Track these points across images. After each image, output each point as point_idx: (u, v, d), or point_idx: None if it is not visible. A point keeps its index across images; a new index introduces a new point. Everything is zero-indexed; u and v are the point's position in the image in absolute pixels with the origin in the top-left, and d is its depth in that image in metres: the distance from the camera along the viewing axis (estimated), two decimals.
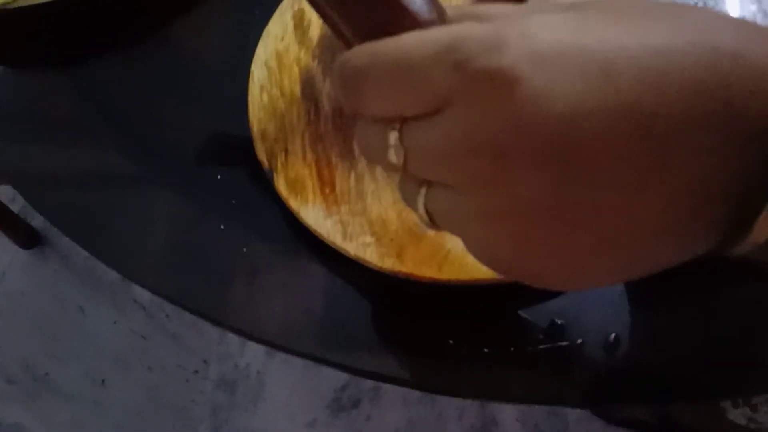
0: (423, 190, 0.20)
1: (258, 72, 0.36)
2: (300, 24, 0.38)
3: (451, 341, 0.32)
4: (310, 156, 0.34)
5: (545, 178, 0.17)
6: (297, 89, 0.36)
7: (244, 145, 0.35)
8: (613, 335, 0.31)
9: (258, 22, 0.38)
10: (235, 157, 0.37)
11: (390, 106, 0.19)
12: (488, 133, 0.17)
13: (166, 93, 0.39)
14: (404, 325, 0.32)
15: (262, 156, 0.34)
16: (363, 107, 0.20)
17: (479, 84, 0.16)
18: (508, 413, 0.94)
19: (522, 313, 0.32)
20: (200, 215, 0.35)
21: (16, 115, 0.40)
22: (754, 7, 0.41)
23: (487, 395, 0.34)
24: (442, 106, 0.17)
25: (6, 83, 0.41)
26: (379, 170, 0.34)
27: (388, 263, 0.31)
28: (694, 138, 0.16)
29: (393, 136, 0.19)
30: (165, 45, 0.41)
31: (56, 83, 0.40)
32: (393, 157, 0.19)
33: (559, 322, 0.32)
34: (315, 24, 0.38)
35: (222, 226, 0.35)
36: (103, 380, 0.99)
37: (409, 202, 0.21)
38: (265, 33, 0.37)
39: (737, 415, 0.63)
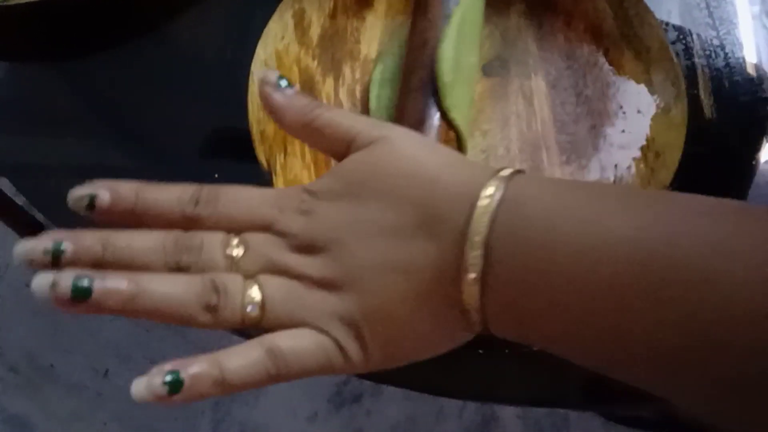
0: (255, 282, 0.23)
1: (258, 74, 0.36)
2: (300, 23, 0.38)
3: None
4: (309, 157, 0.34)
5: None
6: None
7: (243, 145, 0.35)
8: None
9: (258, 21, 0.38)
10: (234, 157, 0.36)
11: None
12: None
13: (165, 91, 0.39)
14: None
15: (261, 157, 0.34)
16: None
17: None
18: (508, 409, 0.94)
19: None
20: None
21: (13, 110, 0.40)
22: (756, 9, 0.41)
23: (485, 397, 0.34)
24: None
25: (2, 78, 0.41)
26: None
27: None
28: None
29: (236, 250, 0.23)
30: (164, 42, 0.41)
31: (54, 79, 0.40)
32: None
33: None
34: (315, 23, 0.38)
35: None
36: (106, 371, 0.99)
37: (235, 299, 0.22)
38: (265, 32, 0.37)
39: None
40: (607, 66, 0.37)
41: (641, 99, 0.36)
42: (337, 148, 0.24)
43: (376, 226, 0.22)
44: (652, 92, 0.36)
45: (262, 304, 0.22)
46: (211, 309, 0.22)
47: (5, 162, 0.39)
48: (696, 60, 0.40)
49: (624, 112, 0.36)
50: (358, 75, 0.37)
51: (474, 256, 0.20)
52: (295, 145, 0.34)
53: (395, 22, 0.38)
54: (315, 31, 0.38)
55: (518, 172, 0.22)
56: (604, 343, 0.19)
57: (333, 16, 0.38)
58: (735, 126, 0.39)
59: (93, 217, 0.23)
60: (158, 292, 0.21)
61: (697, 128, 0.35)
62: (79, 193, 0.23)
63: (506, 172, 0.21)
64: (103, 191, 0.23)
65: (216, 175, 0.36)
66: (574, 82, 0.37)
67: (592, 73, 0.37)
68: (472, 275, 0.20)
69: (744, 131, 0.39)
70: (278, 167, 0.34)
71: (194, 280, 0.22)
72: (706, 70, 0.39)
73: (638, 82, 0.36)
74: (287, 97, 0.25)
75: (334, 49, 0.37)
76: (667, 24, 0.40)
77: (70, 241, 0.21)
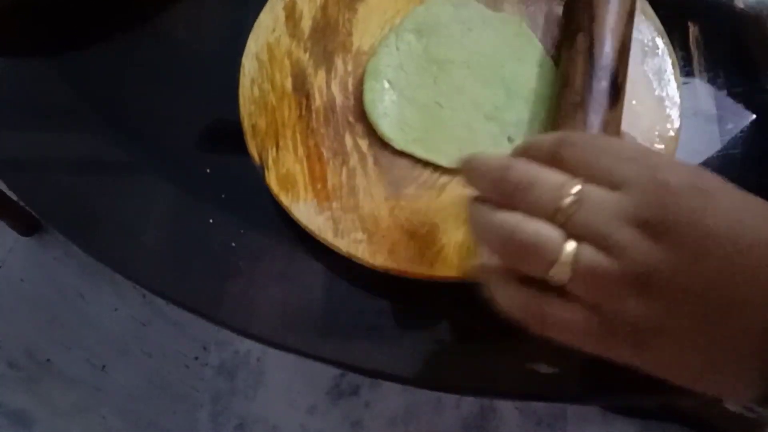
0: (572, 244, 0.20)
1: (249, 65, 0.36)
2: (291, 15, 0.37)
3: (441, 337, 0.32)
4: (301, 151, 0.34)
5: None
6: (288, 83, 0.36)
7: (235, 139, 0.35)
8: None
9: (251, 14, 0.38)
10: (226, 151, 0.36)
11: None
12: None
13: (157, 85, 0.39)
14: (398, 321, 0.32)
15: (252, 151, 0.34)
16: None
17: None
18: (506, 401, 0.94)
19: None
20: (189, 209, 0.35)
21: (5, 106, 0.39)
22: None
23: (482, 392, 0.34)
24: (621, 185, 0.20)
25: None
26: (370, 166, 0.34)
27: (379, 260, 0.31)
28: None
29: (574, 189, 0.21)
30: (156, 37, 0.40)
31: (47, 74, 0.40)
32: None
33: None
34: (306, 15, 0.37)
35: (211, 220, 0.34)
36: (104, 366, 0.99)
37: (550, 246, 0.21)
38: (256, 25, 0.37)
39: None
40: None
41: (636, 89, 0.35)
42: None
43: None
44: (646, 81, 0.36)
45: (563, 287, 0.20)
46: (526, 251, 0.20)
47: None
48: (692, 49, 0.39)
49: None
50: (350, 67, 0.36)
51: None
52: (287, 139, 0.34)
53: (387, 14, 0.38)
54: (306, 24, 0.37)
55: None
56: None
57: (324, 7, 0.38)
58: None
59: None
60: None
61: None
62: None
63: None
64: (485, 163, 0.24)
65: (208, 170, 0.36)
66: None
67: None
68: None
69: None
70: (270, 161, 0.34)
71: (513, 218, 0.21)
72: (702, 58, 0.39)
73: (633, 71, 0.36)
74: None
75: (326, 41, 0.37)
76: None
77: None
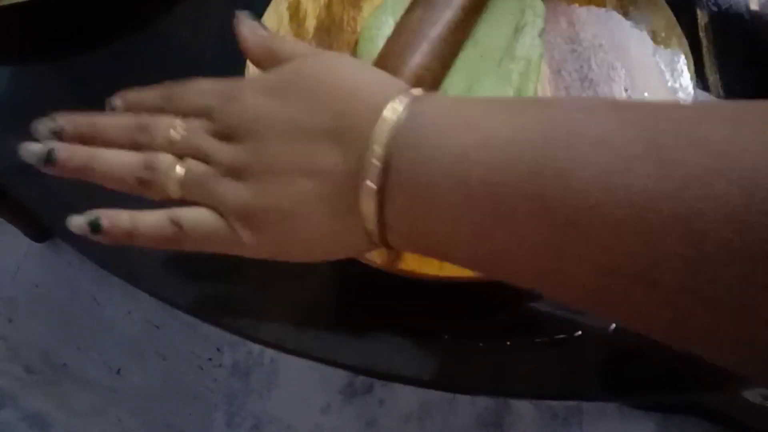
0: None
1: (253, 66, 0.35)
2: (296, 15, 0.37)
3: (446, 336, 0.31)
4: None
5: None
6: None
7: None
8: (613, 325, 0.31)
9: (253, 12, 0.37)
10: None
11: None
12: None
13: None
14: (409, 322, 0.32)
15: None
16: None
17: None
18: None
19: (521, 308, 0.32)
20: None
21: (7, 110, 0.39)
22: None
23: (497, 392, 0.34)
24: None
25: None
26: None
27: (389, 261, 0.31)
28: None
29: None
30: (158, 38, 0.40)
31: (49, 78, 0.40)
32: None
33: (558, 314, 0.31)
34: (311, 15, 0.37)
35: None
36: (119, 369, 1.00)
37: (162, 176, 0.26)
38: None
39: (753, 394, 0.63)
40: (612, 48, 0.36)
41: (648, 80, 0.35)
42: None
43: (292, 125, 0.23)
44: (658, 73, 0.35)
45: (183, 183, 0.25)
46: (144, 183, 0.26)
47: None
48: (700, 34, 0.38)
49: (630, 96, 0.35)
50: None
51: (374, 165, 0.21)
52: None
53: None
54: (311, 23, 0.37)
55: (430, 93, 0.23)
56: (482, 243, 0.20)
57: (329, 6, 0.37)
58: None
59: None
60: (107, 162, 0.26)
61: None
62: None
63: (417, 91, 0.23)
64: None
65: None
66: (579, 65, 0.36)
67: (597, 56, 0.36)
68: (370, 184, 0.21)
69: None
70: None
71: (135, 157, 0.26)
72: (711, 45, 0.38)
73: (644, 62, 0.35)
74: (251, 27, 0.28)
75: (331, 40, 0.36)
76: None
77: (68, 122, 0.27)
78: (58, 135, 0.27)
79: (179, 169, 0.25)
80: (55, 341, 1.02)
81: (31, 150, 0.26)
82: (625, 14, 0.37)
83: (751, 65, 0.38)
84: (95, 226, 0.25)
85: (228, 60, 0.37)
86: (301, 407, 0.96)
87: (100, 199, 0.36)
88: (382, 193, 0.21)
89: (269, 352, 0.99)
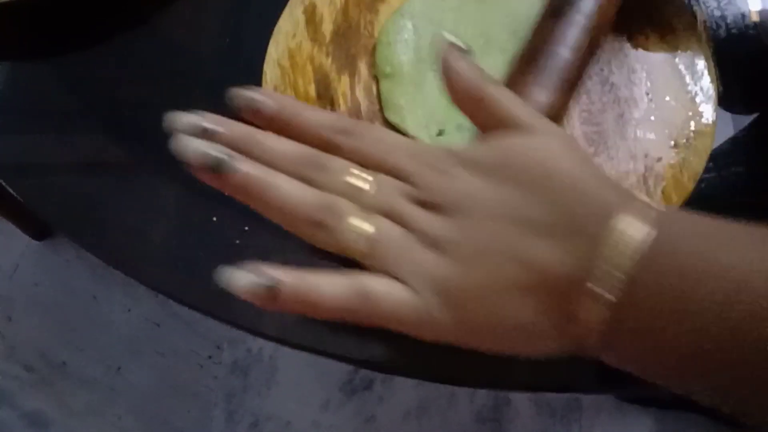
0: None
1: (270, 72, 0.35)
2: (312, 19, 0.37)
3: None
4: None
5: None
6: (311, 89, 0.35)
7: None
8: None
9: (253, 12, 0.37)
10: None
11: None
12: None
13: (163, 87, 0.38)
14: None
15: None
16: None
17: None
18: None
19: None
20: (193, 208, 0.35)
21: (5, 108, 0.39)
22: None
23: (496, 385, 0.34)
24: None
25: None
26: None
27: None
28: None
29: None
30: (160, 38, 0.40)
31: (47, 77, 0.39)
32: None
33: None
34: (327, 19, 0.37)
35: (214, 219, 0.34)
36: (119, 367, 1.00)
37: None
38: (276, 30, 0.36)
39: None
40: (632, 51, 0.36)
41: (669, 83, 0.35)
42: (490, 123, 0.24)
43: (508, 209, 0.22)
44: (679, 76, 0.35)
45: (371, 242, 0.23)
46: (321, 226, 0.23)
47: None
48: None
49: (651, 99, 0.35)
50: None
51: (615, 276, 0.20)
52: None
53: None
54: (327, 27, 0.37)
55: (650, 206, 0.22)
56: (706, 378, 0.20)
57: (345, 10, 0.37)
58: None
59: (250, 117, 0.24)
60: (282, 189, 0.23)
61: None
62: (244, 94, 0.24)
63: (654, 205, 0.21)
64: (269, 99, 0.24)
65: None
66: (599, 69, 0.36)
67: (617, 59, 0.36)
68: (607, 295, 0.20)
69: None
70: None
71: (316, 194, 0.23)
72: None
73: (665, 66, 0.35)
74: (468, 66, 0.25)
75: (348, 44, 0.37)
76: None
77: (224, 126, 0.24)
78: (208, 136, 0.23)
79: (368, 226, 0.23)
80: (53, 340, 1.02)
81: (195, 148, 0.22)
82: (645, 15, 0.37)
83: (752, 75, 0.39)
84: (271, 292, 0.21)
85: (226, 58, 0.37)
86: (300, 404, 0.96)
87: (96, 195, 0.36)
88: (617, 309, 0.20)
89: (268, 350, 0.99)
